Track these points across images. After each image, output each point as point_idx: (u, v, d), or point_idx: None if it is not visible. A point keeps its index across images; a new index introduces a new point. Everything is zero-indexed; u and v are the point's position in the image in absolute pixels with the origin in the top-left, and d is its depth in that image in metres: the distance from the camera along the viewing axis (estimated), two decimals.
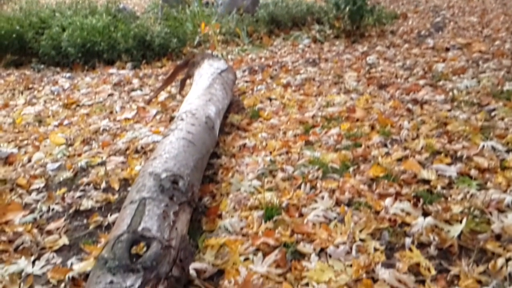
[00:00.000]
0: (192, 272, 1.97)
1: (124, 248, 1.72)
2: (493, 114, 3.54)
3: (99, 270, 1.67)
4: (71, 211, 2.76)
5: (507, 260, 1.95)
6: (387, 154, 3.06)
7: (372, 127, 3.58)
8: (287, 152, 3.30)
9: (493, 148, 2.93)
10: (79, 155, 3.63)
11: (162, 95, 4.97)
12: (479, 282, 1.87)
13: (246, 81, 5.35)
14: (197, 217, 2.52)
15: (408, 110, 3.81)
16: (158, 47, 7.03)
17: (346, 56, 6.13)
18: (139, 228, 1.84)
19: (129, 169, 3.21)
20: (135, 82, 5.79)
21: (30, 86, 6.11)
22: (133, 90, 5.46)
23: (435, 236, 2.13)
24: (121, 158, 3.45)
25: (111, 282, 1.60)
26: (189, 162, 2.48)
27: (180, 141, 2.64)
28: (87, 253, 2.32)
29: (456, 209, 2.32)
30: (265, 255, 2.15)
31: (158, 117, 4.32)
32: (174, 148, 2.55)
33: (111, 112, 4.69)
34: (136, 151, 3.55)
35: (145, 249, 1.76)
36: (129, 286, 1.59)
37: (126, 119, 4.34)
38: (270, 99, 4.61)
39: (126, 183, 3.04)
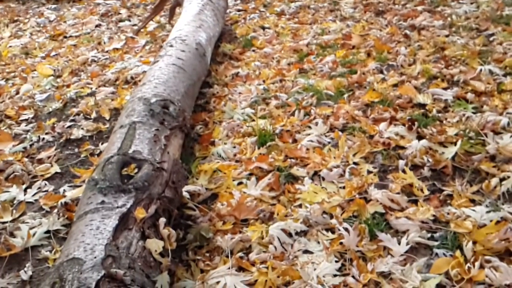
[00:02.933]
0: (185, 194, 1.96)
1: (114, 169, 1.70)
2: (491, 39, 3.44)
3: (90, 191, 1.66)
4: (61, 140, 2.73)
5: (501, 179, 1.95)
6: (383, 80, 3.00)
7: (368, 54, 3.49)
8: (281, 80, 3.23)
9: (491, 72, 2.87)
10: (68, 86, 3.56)
11: (151, 25, 4.79)
12: (473, 201, 1.88)
13: (239, 10, 5.16)
14: (190, 144, 2.49)
15: (406, 36, 3.70)
16: None
17: None
18: (130, 151, 1.81)
19: (119, 99, 3.15)
20: (123, 12, 5.58)
21: (16, 18, 5.89)
22: (121, 20, 5.27)
23: (429, 158, 2.12)
24: (111, 89, 3.37)
25: (102, 202, 1.59)
26: (179, 88, 2.42)
27: (170, 67, 2.56)
28: (79, 178, 2.32)
29: (451, 131, 2.29)
30: (258, 179, 2.14)
31: (147, 47, 4.20)
32: (164, 74, 2.48)
33: (99, 43, 4.54)
34: (126, 82, 3.47)
35: (136, 170, 1.73)
36: (121, 205, 1.58)
37: (115, 50, 4.22)
38: (264, 28, 4.46)
39: (117, 112, 2.98)
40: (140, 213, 1.59)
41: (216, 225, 1.87)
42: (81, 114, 3.03)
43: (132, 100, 2.24)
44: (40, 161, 2.54)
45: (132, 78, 3.48)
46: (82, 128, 2.83)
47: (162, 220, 1.61)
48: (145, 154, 1.83)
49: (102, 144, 2.61)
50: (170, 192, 1.78)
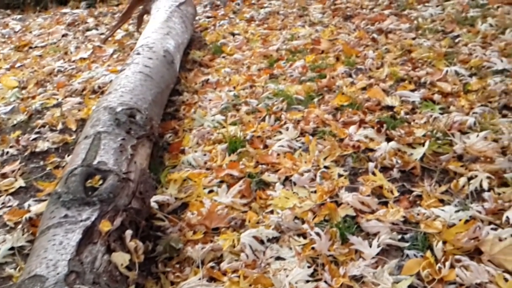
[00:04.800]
0: (154, 205, 1.92)
1: (78, 181, 1.65)
2: (457, 40, 3.51)
3: (53, 205, 1.60)
4: (26, 153, 2.65)
5: (469, 179, 1.97)
6: (352, 83, 3.02)
7: (337, 58, 3.51)
8: (251, 86, 3.21)
9: (457, 73, 2.92)
10: (33, 97, 3.46)
11: (119, 33, 4.73)
12: (442, 201, 1.89)
13: (208, 17, 5.14)
14: (159, 153, 2.45)
15: (373, 39, 3.74)
16: None
17: None
18: (95, 162, 1.76)
19: (86, 109, 3.08)
20: (90, 21, 5.49)
21: None
22: (88, 29, 5.18)
23: (398, 159, 2.13)
24: (78, 99, 3.30)
25: (66, 216, 1.53)
26: (147, 96, 2.38)
27: (137, 75, 2.52)
28: (43, 191, 2.25)
29: (419, 132, 2.32)
30: (229, 186, 2.12)
31: (115, 56, 4.13)
32: (130, 82, 2.43)
33: (65, 53, 4.45)
34: (93, 91, 3.40)
35: (101, 182, 1.68)
36: (85, 219, 1.53)
37: (82, 59, 4.14)
38: (233, 34, 4.45)
39: (83, 123, 2.89)
40: (105, 226, 1.54)
41: (187, 235, 1.83)
42: (47, 126, 2.95)
43: (97, 110, 2.18)
44: (4, 176, 2.45)
45: (99, 87, 3.41)
46: (48, 140, 2.75)
47: (129, 233, 1.57)
48: (110, 164, 1.78)
49: (68, 156, 2.54)
50: (137, 203, 1.74)
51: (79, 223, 1.53)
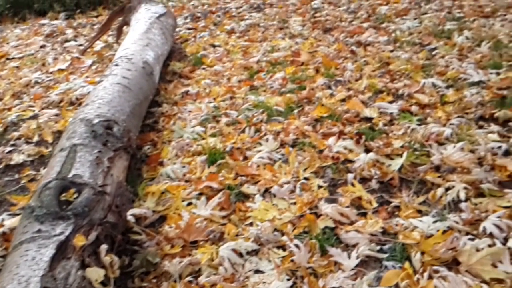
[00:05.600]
0: (130, 218, 1.88)
1: (52, 195, 1.61)
2: (434, 53, 3.57)
3: (26, 219, 1.56)
4: (1, 166, 2.59)
5: (446, 189, 1.99)
6: (331, 95, 3.04)
7: (317, 70, 3.53)
8: (231, 98, 3.21)
9: (434, 85, 2.96)
10: (9, 109, 3.39)
11: (98, 45, 4.68)
12: (419, 211, 1.90)
13: (189, 28, 5.13)
14: (137, 165, 2.41)
15: (352, 52, 3.78)
16: None
17: (291, 1, 5.97)
18: (70, 175, 1.72)
19: (63, 121, 3.02)
20: (69, 32, 5.43)
21: None
22: (66, 41, 5.12)
23: (376, 170, 2.15)
24: (55, 111, 3.24)
25: (39, 230, 1.49)
26: (124, 108, 2.35)
27: (115, 86, 2.49)
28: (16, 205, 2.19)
29: (397, 143, 2.34)
30: (208, 198, 2.09)
31: (94, 67, 4.08)
32: (108, 93, 2.40)
33: (43, 64, 4.38)
34: (71, 103, 3.35)
35: (76, 195, 1.64)
36: (59, 233, 1.49)
37: (60, 71, 4.08)
38: (214, 46, 4.45)
39: (60, 135, 2.82)
40: (79, 241, 1.51)
41: (164, 249, 1.79)
42: (22, 138, 2.88)
43: (74, 122, 2.15)
44: None
45: (77, 99, 3.36)
46: (23, 153, 2.69)
47: (104, 247, 1.53)
48: (86, 177, 1.74)
49: (43, 169, 2.48)
50: (113, 216, 1.70)
51: (53, 237, 1.49)
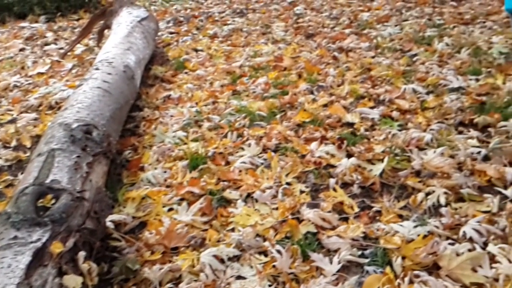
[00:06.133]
0: (109, 224, 1.85)
1: (29, 201, 1.57)
2: (414, 59, 3.61)
3: (2, 226, 1.52)
4: None
5: (427, 194, 2.00)
6: (314, 100, 3.04)
7: (299, 75, 3.54)
8: (213, 102, 3.19)
9: (414, 91, 2.99)
10: None
11: (79, 48, 4.63)
12: (400, 216, 1.91)
13: (171, 33, 5.11)
14: (117, 170, 2.38)
15: (334, 57, 3.80)
16: None
17: (274, 6, 6.01)
18: (47, 180, 1.69)
19: (42, 125, 2.97)
20: (49, 35, 5.36)
21: None
22: (46, 44, 5.05)
23: (358, 175, 2.15)
24: (34, 115, 3.19)
25: (15, 237, 1.45)
26: (104, 112, 2.31)
27: (95, 90, 2.45)
28: None
29: (378, 148, 2.35)
30: (190, 204, 2.07)
31: (74, 71, 4.03)
32: (88, 97, 2.37)
33: (22, 68, 4.31)
34: (50, 107, 3.30)
35: (53, 201, 1.61)
36: (36, 240, 1.45)
37: (39, 74, 4.02)
38: (196, 50, 4.44)
39: (39, 140, 2.77)
40: (56, 248, 1.47)
41: (144, 255, 1.77)
42: (0, 143, 2.82)
43: (52, 126, 2.11)
44: None
45: (56, 103, 3.31)
46: (1, 158, 2.63)
47: (81, 254, 1.50)
48: (64, 183, 1.71)
49: (21, 174, 2.42)
50: (92, 223, 1.67)
51: (29, 244, 1.45)
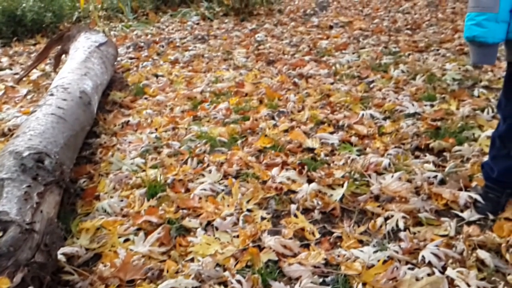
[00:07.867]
0: (61, 257, 1.76)
1: None
2: (372, 85, 3.71)
3: None
4: None
5: (386, 218, 2.02)
6: (275, 126, 3.06)
7: (260, 101, 3.56)
8: (173, 128, 3.15)
9: (372, 116, 3.06)
10: None
11: (35, 73, 4.50)
12: (361, 241, 1.91)
13: (131, 58, 5.06)
14: (71, 200, 2.28)
15: (295, 84, 3.85)
16: (30, 22, 6.37)
17: (235, 33, 6.07)
18: None
19: None
20: (4, 60, 5.21)
21: None
22: (1, 69, 4.89)
23: (318, 200, 2.15)
24: None
25: None
26: (58, 140, 2.23)
27: (49, 117, 2.37)
28: None
29: (338, 173, 2.36)
30: (147, 234, 2.01)
31: (29, 96, 3.91)
32: (41, 124, 2.28)
33: None
34: (3, 134, 3.16)
35: (1, 234, 1.52)
36: None
37: None
38: (157, 76, 4.40)
39: None
40: (3, 284, 1.38)
41: None
42: None
43: (3, 155, 2.01)
44: None
45: (9, 130, 3.18)
46: None
47: None
48: (12, 214, 1.62)
49: None
50: (42, 256, 1.58)
51: None
